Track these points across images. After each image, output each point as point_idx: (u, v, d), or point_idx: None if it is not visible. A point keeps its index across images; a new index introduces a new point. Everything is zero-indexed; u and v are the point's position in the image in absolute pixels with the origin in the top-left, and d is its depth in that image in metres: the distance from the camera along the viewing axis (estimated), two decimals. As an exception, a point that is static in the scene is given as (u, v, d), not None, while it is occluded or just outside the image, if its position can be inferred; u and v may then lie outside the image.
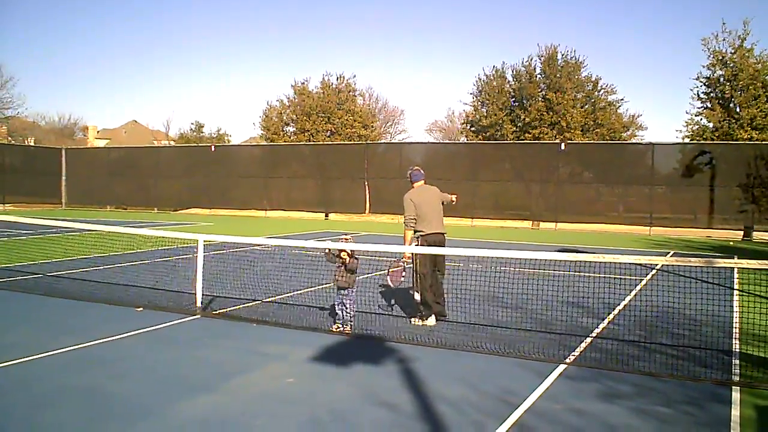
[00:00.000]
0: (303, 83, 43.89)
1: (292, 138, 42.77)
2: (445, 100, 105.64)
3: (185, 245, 15.82)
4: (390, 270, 9.13)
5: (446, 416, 5.35)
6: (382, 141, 45.60)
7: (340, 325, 8.13)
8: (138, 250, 15.39)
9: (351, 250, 8.25)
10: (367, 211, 31.42)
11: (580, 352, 7.37)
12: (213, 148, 37.10)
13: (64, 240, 17.56)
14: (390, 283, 9.09)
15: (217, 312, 9.08)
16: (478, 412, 5.44)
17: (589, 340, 7.88)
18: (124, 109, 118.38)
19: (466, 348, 7.47)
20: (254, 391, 5.94)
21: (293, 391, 5.96)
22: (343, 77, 43.88)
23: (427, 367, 6.70)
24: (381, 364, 6.86)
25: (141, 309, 9.21)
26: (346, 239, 8.42)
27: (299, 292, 10.63)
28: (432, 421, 5.26)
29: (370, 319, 8.65)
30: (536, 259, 7.92)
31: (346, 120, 42.12)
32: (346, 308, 8.16)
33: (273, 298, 10.05)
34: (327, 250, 8.52)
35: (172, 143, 62.08)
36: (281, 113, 44.41)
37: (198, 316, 8.84)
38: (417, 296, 8.63)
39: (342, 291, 8.22)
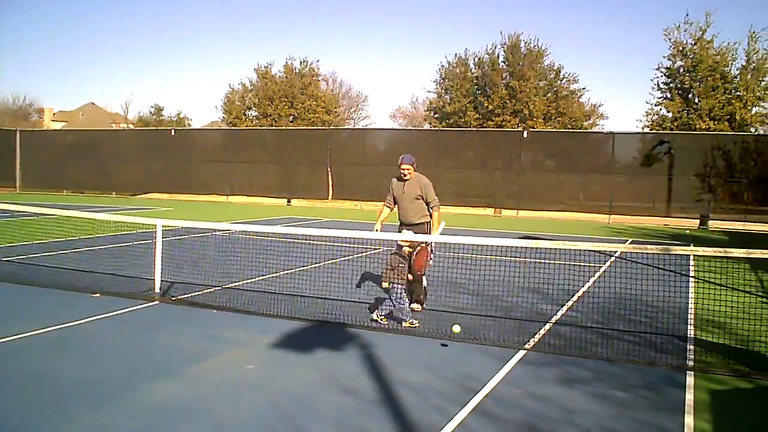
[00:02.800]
0: (266, 67, 43.49)
1: (254, 122, 42.36)
2: (409, 86, 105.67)
3: (144, 230, 15.56)
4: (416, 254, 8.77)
5: (408, 401, 5.36)
6: (346, 127, 45.41)
7: (403, 317, 7.86)
8: (96, 235, 15.07)
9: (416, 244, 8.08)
10: (330, 197, 31.31)
11: (540, 338, 7.46)
12: (173, 132, 36.51)
13: (18, 225, 17.12)
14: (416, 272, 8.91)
15: (176, 298, 8.95)
16: (439, 398, 5.46)
17: (548, 326, 7.98)
18: (81, 90, 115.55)
19: (426, 334, 7.49)
20: (215, 377, 5.87)
21: (254, 378, 5.90)
22: (307, 62, 43.60)
23: (389, 353, 6.70)
24: (342, 350, 6.84)
25: (98, 295, 9.02)
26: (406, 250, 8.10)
27: (261, 278, 10.53)
28: (394, 406, 5.27)
29: (332, 305, 8.60)
30: (498, 246, 7.97)
31: (310, 105, 41.85)
32: (401, 300, 7.89)
33: (234, 284, 9.94)
34: (397, 248, 8.14)
35: (131, 126, 60.93)
36: (243, 97, 43.93)
37: (157, 302, 8.69)
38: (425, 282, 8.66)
39: (400, 285, 7.90)
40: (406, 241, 8.00)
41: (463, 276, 9.58)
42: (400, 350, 6.87)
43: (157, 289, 8.96)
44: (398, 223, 8.86)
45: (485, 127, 34.94)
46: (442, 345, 5.96)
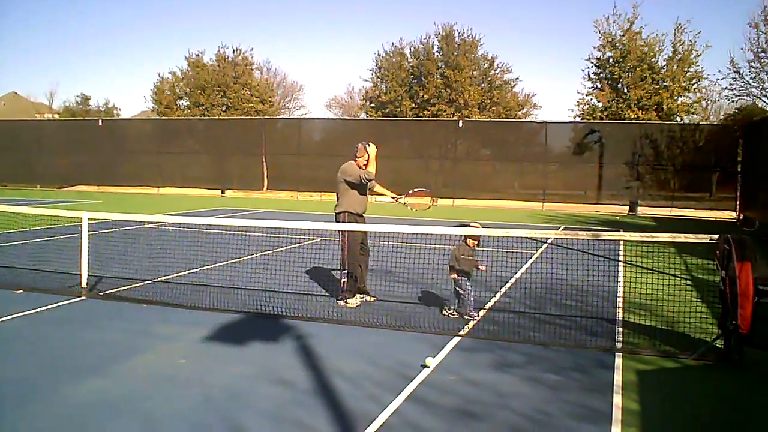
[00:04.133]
0: (197, 55, 42.53)
1: (185, 112, 41.42)
2: (345, 75, 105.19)
3: (70, 224, 14.98)
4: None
5: (343, 391, 5.33)
6: (281, 116, 44.87)
7: (468, 311, 7.75)
8: (18, 230, 14.45)
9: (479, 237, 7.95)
10: (265, 187, 30.92)
11: (474, 324, 7.52)
12: (101, 122, 35.34)
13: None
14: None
15: (104, 293, 8.65)
16: (374, 386, 5.45)
17: (482, 312, 8.05)
18: (2, 79, 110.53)
19: (363, 323, 7.47)
20: (145, 373, 5.70)
21: (186, 372, 5.76)
22: (240, 50, 42.83)
23: (324, 344, 6.65)
24: (277, 341, 6.75)
25: (21, 291, 8.65)
26: (475, 227, 7.95)
27: (193, 270, 10.30)
28: (329, 396, 5.23)
29: (267, 297, 8.47)
30: (433, 235, 7.99)
31: (243, 94, 41.20)
32: (470, 293, 7.79)
33: (165, 278, 9.68)
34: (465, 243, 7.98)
35: (56, 116, 58.66)
36: (174, 86, 42.87)
37: (83, 298, 8.39)
38: (343, 276, 8.38)
39: (465, 277, 7.81)
40: (475, 237, 7.87)
41: (398, 265, 9.56)
42: (336, 340, 6.82)
43: (83, 284, 8.64)
44: (354, 212, 8.54)
45: (421, 117, 35.11)
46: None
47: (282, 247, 12.84)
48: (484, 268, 7.99)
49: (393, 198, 8.87)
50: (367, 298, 8.58)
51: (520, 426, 4.76)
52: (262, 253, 11.93)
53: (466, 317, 7.69)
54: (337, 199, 8.60)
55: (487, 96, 36.90)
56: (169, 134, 33.41)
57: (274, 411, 4.93)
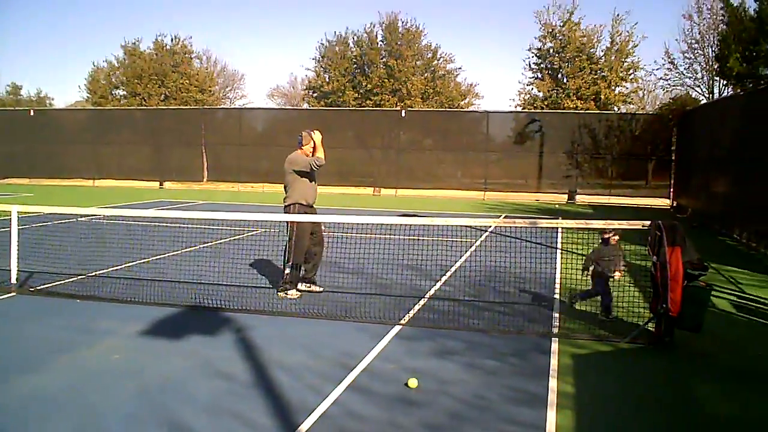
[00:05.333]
0: (134, 44, 41.40)
1: (122, 102, 40.33)
2: (287, 65, 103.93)
3: (1, 218, 14.44)
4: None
5: (283, 382, 5.30)
6: (221, 106, 44.11)
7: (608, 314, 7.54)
8: (-57, 224, 13.84)
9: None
10: (205, 179, 30.40)
11: (415, 313, 7.58)
12: (32, 113, 34.08)
13: None
14: None
15: (35, 289, 8.37)
16: (315, 377, 5.44)
17: (424, 301, 8.12)
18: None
19: (304, 315, 7.43)
20: (81, 369, 5.56)
21: (123, 367, 5.63)
22: (179, 38, 41.90)
23: (265, 336, 6.59)
24: (217, 334, 6.65)
25: (-56, 289, 8.29)
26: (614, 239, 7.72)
27: (130, 264, 10.05)
28: (268, 388, 5.19)
29: (206, 290, 8.33)
30: (375, 224, 8.00)
31: (182, 84, 40.33)
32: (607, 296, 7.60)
33: (100, 272, 9.43)
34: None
35: (-15, 107, 56.36)
36: (110, 75, 41.68)
37: (13, 294, 8.09)
38: (288, 268, 8.27)
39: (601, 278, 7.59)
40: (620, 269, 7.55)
41: (341, 255, 9.55)
42: (276, 332, 6.76)
43: (13, 280, 8.32)
44: (305, 204, 8.41)
45: (364, 107, 35.06)
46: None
47: (222, 239, 12.65)
48: (620, 275, 7.57)
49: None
50: (315, 288, 8.52)
51: (459, 412, 4.81)
52: (202, 246, 11.74)
53: (604, 318, 7.47)
54: (286, 191, 8.50)
55: (430, 86, 37.08)
56: (105, 125, 32.44)
57: (212, 403, 4.87)
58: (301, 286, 8.46)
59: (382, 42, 37.30)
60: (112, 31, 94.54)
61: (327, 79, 37.80)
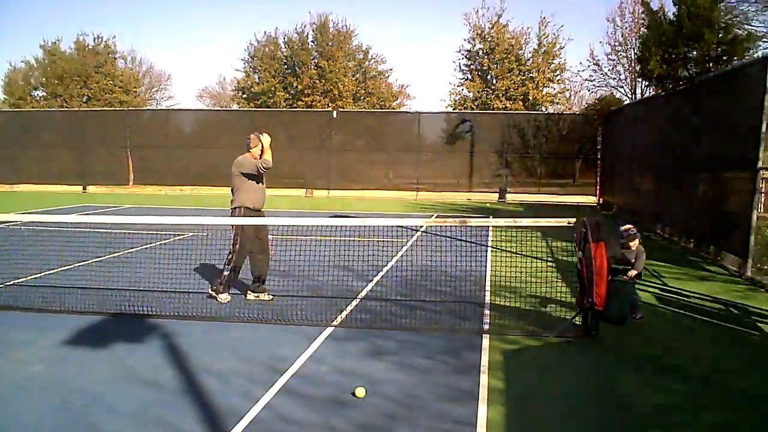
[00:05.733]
0: (54, 43, 39.82)
1: (42, 104, 38.76)
2: (216, 65, 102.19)
3: None
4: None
5: (212, 388, 5.18)
6: (147, 107, 42.94)
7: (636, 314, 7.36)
8: None
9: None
10: (131, 182, 29.51)
11: (348, 314, 7.53)
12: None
13: None
14: None
15: (-54, 299, 7.92)
16: (245, 381, 5.34)
17: (356, 302, 8.08)
18: None
19: (234, 319, 7.28)
20: (-8, 384, 5.27)
21: (43, 379, 5.38)
22: (102, 38, 40.55)
23: (193, 341, 6.42)
24: (143, 342, 6.44)
25: None
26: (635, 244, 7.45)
27: (51, 272, 9.64)
28: (197, 394, 5.07)
29: (132, 297, 8.07)
30: (307, 226, 7.90)
31: (106, 85, 39.05)
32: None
33: (18, 281, 9.00)
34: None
35: None
36: (28, 76, 39.99)
37: None
38: (227, 271, 8.06)
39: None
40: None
41: (272, 258, 9.39)
42: (205, 337, 6.61)
43: None
44: (252, 208, 8.16)
45: (295, 108, 34.77)
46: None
47: (148, 243, 12.29)
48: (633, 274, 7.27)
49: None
50: (264, 297, 8.26)
51: (391, 411, 4.80)
52: (127, 252, 11.38)
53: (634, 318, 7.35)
54: (233, 194, 8.33)
55: (361, 87, 37.06)
56: (23, 127, 31.01)
57: (137, 413, 4.71)
58: (250, 296, 8.28)
59: (313, 42, 37.07)
60: (30, 30, 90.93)
61: (257, 80, 37.30)
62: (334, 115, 29.03)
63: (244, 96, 38.32)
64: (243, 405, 4.83)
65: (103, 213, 18.80)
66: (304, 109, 33.59)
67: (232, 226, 8.10)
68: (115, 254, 11.05)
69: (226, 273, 8.08)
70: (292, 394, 5.09)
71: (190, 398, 5.00)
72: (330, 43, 36.38)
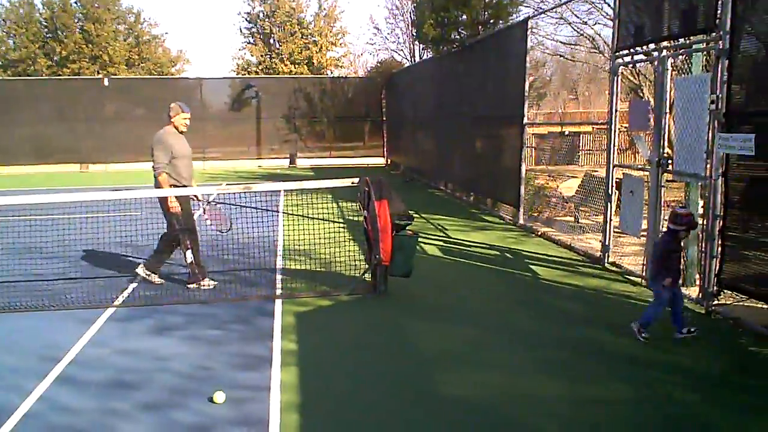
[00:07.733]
0: None
1: None
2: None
3: None
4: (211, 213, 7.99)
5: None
6: None
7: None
8: None
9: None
10: None
11: (130, 292, 7.11)
12: None
13: None
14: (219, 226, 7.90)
15: None
16: (15, 375, 4.86)
17: (139, 279, 7.61)
18: None
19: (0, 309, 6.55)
20: None
21: None
22: None
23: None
24: None
25: None
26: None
27: None
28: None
29: None
30: (80, 202, 7.26)
31: None
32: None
33: None
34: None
35: None
36: None
37: None
38: (189, 256, 7.28)
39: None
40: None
41: (42, 240, 8.54)
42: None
43: None
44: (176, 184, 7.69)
45: (60, 75, 31.80)
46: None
47: None
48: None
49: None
50: (155, 279, 7.52)
51: (179, 386, 4.62)
52: None
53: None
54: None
55: (134, 52, 34.80)
56: None
57: None
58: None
59: (77, 4, 34.00)
60: None
61: (12, 46, 33.49)
62: (106, 83, 26.92)
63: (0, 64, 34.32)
64: (14, 400, 4.37)
65: None
66: (71, 77, 30.78)
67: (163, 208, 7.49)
68: None
69: (189, 259, 7.32)
70: (69, 382, 4.70)
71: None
72: (96, 5, 33.57)
